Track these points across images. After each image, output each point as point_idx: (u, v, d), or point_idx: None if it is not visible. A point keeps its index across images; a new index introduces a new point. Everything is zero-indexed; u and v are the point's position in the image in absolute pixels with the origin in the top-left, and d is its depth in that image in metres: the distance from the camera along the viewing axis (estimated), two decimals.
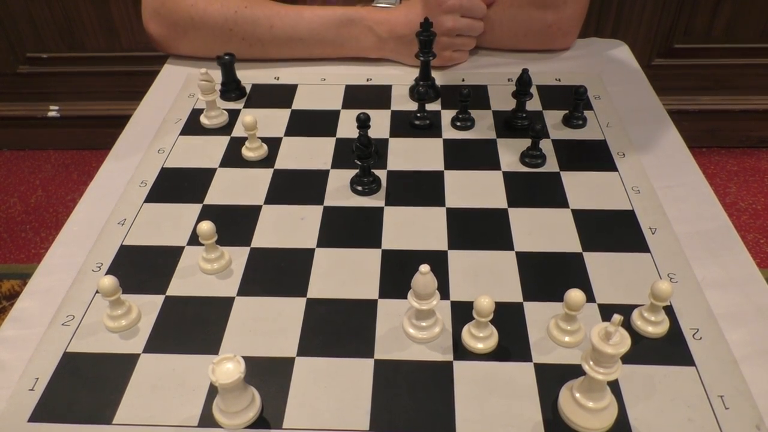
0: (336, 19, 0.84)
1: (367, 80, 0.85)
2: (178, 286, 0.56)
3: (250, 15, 0.83)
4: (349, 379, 0.48)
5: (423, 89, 0.74)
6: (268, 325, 0.52)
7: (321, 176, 0.68)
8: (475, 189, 0.66)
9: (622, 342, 0.40)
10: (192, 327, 0.52)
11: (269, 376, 0.48)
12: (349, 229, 0.61)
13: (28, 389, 0.47)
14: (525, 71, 0.71)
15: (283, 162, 0.71)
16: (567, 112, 0.76)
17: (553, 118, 0.77)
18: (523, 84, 0.72)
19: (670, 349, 0.49)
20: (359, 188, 0.65)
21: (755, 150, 1.86)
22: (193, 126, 0.77)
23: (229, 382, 0.41)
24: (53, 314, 0.53)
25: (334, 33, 0.84)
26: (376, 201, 0.65)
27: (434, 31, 0.75)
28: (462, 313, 0.52)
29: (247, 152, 0.71)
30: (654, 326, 0.50)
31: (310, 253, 0.59)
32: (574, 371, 0.47)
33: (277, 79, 0.86)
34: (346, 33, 0.84)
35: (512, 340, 0.50)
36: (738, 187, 1.74)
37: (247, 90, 0.83)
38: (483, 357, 0.49)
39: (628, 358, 0.47)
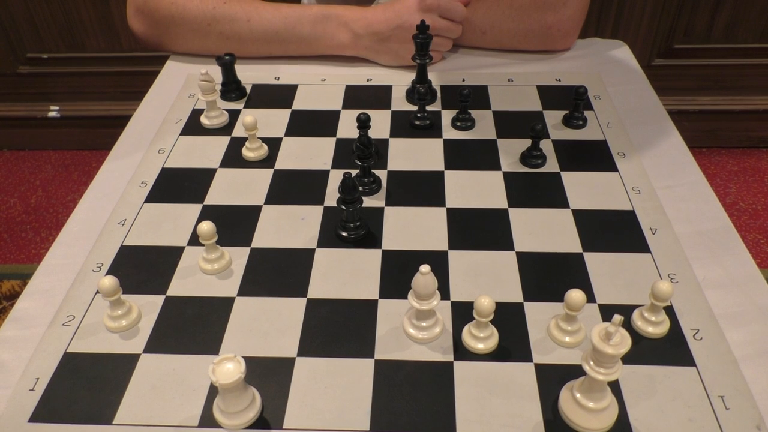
0: (312, 16, 0.84)
1: (367, 80, 0.85)
2: (178, 286, 0.56)
3: (228, 11, 0.84)
4: (350, 379, 0.48)
5: (424, 89, 0.74)
6: (269, 325, 0.52)
7: (321, 176, 0.68)
8: (476, 189, 0.66)
9: (623, 342, 0.40)
10: (192, 327, 0.52)
11: (269, 376, 0.48)
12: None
13: (28, 389, 0.47)
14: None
15: (283, 162, 0.71)
16: (567, 112, 0.76)
17: (553, 118, 0.77)
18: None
19: (670, 349, 0.49)
20: (360, 188, 0.65)
21: (755, 150, 1.86)
22: (193, 126, 0.77)
23: (230, 382, 0.41)
24: (53, 314, 0.53)
25: (309, 29, 0.84)
26: (376, 201, 0.65)
27: (431, 33, 0.75)
28: (462, 313, 0.52)
29: (248, 152, 0.71)
30: (654, 326, 0.50)
31: (310, 253, 0.59)
32: (574, 371, 0.47)
33: (277, 79, 0.86)
34: (321, 29, 0.84)
35: (512, 340, 0.50)
36: (738, 187, 1.74)
37: (248, 90, 0.83)
38: (483, 357, 0.49)
39: (628, 359, 0.47)
